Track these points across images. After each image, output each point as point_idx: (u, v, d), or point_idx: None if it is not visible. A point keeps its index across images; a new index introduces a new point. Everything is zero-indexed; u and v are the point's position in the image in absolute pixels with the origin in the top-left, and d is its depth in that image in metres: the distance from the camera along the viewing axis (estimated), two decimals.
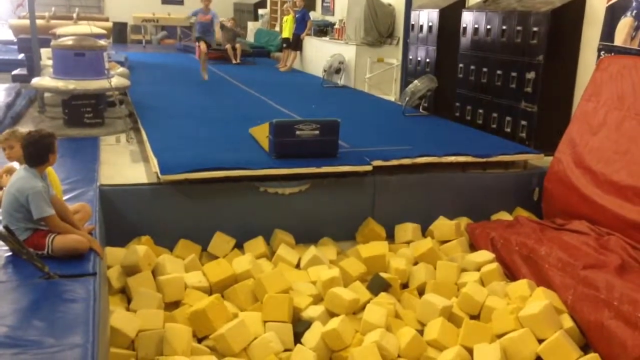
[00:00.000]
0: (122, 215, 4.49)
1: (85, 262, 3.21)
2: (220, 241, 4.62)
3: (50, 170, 3.55)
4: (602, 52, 5.48)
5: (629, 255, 3.85)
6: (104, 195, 4.40)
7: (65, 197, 3.90)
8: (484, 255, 4.58)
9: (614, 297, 3.43)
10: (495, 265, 4.43)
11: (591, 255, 3.89)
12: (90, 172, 4.69)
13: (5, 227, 3.09)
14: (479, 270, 4.45)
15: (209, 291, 4.08)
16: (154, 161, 4.76)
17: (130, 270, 3.98)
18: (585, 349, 3.52)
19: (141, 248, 4.09)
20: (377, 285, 4.25)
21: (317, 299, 4.15)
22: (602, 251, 3.93)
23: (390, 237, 5.01)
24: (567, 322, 3.63)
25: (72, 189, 4.20)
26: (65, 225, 3.28)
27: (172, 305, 3.86)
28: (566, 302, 3.74)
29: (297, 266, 4.58)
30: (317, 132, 5.02)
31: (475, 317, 4.04)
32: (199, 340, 3.60)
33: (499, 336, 3.66)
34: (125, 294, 3.92)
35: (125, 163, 5.23)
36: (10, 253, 3.19)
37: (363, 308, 3.96)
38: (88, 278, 3.04)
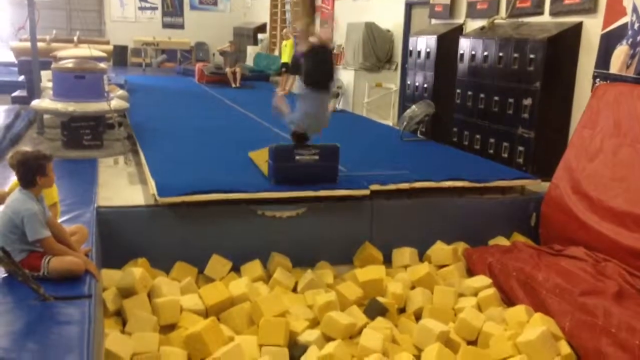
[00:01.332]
0: (119, 237, 4.48)
1: (81, 284, 3.20)
2: (217, 264, 4.60)
3: (51, 190, 3.55)
4: (598, 79, 5.53)
5: (626, 281, 3.85)
6: (101, 217, 4.40)
7: (62, 219, 3.89)
8: (482, 280, 4.57)
9: (612, 324, 3.42)
10: (492, 290, 4.42)
11: (588, 281, 3.88)
12: (88, 193, 4.69)
13: (1, 249, 3.08)
14: (476, 295, 4.44)
15: (205, 314, 4.06)
16: (151, 183, 4.77)
17: (126, 293, 3.96)
18: None
19: (137, 270, 4.08)
20: (374, 310, 4.23)
21: (314, 323, 4.13)
22: (600, 277, 3.93)
23: (388, 261, 4.99)
24: (565, 348, 3.61)
25: (69, 210, 4.20)
26: (60, 247, 3.27)
27: (168, 328, 3.83)
28: (564, 329, 3.72)
29: (294, 290, 4.56)
30: (316, 157, 5.03)
31: (472, 342, 4.01)
32: None
33: None
34: (120, 316, 3.89)
35: (123, 185, 5.23)
36: (5, 274, 3.17)
37: (360, 332, 3.93)
38: (83, 300, 3.03)
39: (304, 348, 3.80)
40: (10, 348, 2.53)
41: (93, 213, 4.30)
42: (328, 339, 3.93)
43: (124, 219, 4.54)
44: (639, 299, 3.65)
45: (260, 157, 5.34)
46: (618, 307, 3.50)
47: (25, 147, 4.98)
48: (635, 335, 3.23)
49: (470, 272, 4.85)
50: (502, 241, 5.25)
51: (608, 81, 5.35)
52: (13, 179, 3.58)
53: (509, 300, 4.38)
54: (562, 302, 3.83)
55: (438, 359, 3.65)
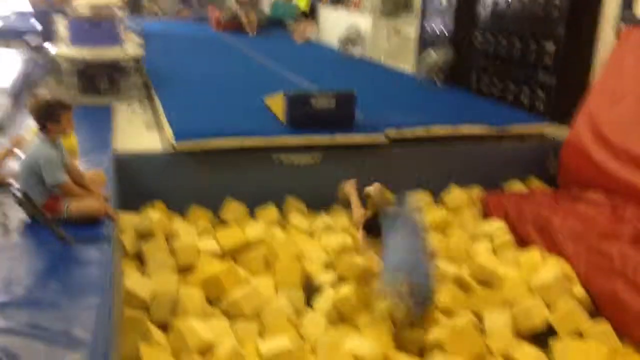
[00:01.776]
0: (136, 182, 4.54)
1: (100, 227, 3.26)
2: (232, 208, 4.66)
3: (70, 138, 3.58)
4: (623, 22, 5.36)
5: None
6: (119, 163, 4.44)
7: (80, 164, 3.94)
8: (497, 224, 4.57)
9: (628, 268, 3.41)
10: (507, 234, 4.42)
11: (606, 225, 3.86)
12: (105, 139, 4.73)
13: (24, 194, 3.14)
14: (491, 239, 4.45)
15: (222, 257, 4.13)
16: (168, 128, 4.79)
17: (144, 236, 4.04)
18: (595, 317, 3.51)
19: (155, 214, 4.14)
20: None
21: (329, 266, 4.18)
22: (617, 222, 3.90)
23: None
24: (579, 291, 3.62)
25: (86, 156, 4.24)
26: (79, 191, 3.32)
27: (185, 271, 3.91)
28: (579, 273, 3.73)
29: (309, 233, 4.61)
30: (333, 103, 5.00)
31: (486, 285, 4.04)
32: (211, 303, 3.65)
33: (510, 305, 3.67)
34: (139, 258, 3.98)
35: (139, 131, 5.27)
36: (27, 218, 3.24)
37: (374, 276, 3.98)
38: (103, 242, 3.09)
39: (319, 289, 3.85)
40: (32, 287, 2.60)
41: (110, 158, 4.34)
42: (344, 281, 3.98)
43: (140, 165, 4.60)
44: None
45: (276, 103, 5.32)
46: (635, 251, 3.49)
47: (43, 92, 5.00)
48: None
49: (486, 216, 4.85)
50: (518, 186, 5.23)
51: (633, 24, 5.19)
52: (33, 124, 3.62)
53: (524, 244, 4.38)
54: (579, 246, 3.82)
55: (452, 300, 3.69)
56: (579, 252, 3.81)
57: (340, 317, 3.71)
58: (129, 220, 4.14)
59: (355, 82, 7.07)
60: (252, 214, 4.73)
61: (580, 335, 3.35)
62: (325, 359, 3.09)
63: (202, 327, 3.21)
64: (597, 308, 3.58)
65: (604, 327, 3.36)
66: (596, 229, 3.87)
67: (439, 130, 5.19)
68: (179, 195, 4.61)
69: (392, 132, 5.05)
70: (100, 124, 5.22)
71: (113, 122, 5.36)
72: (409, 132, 5.12)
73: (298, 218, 4.70)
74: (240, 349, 3.16)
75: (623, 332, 3.34)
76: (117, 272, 3.14)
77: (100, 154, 4.34)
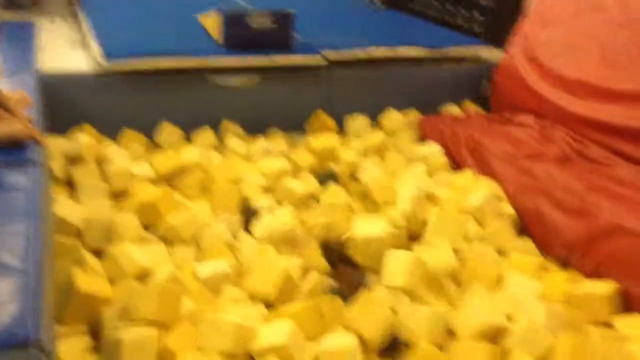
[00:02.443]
0: (63, 104, 4.33)
1: (26, 151, 3.09)
2: (167, 131, 4.54)
3: None
4: None
5: (569, 146, 3.96)
6: (43, 84, 4.21)
7: (2, 85, 3.71)
8: (432, 147, 4.65)
9: (552, 186, 3.55)
10: (443, 157, 4.51)
11: (534, 147, 3.99)
12: (27, 58, 4.45)
13: None
14: (426, 161, 4.54)
15: (157, 181, 4.05)
16: (96, 47, 4.56)
17: (74, 160, 3.90)
18: (523, 235, 3.67)
19: (84, 137, 3.99)
20: (326, 177, 4.29)
21: (267, 190, 4.18)
22: (545, 142, 4.03)
23: (341, 129, 5.02)
24: (508, 209, 3.76)
25: (8, 75, 3.99)
26: (2, 113, 3.14)
27: (119, 196, 3.82)
28: (508, 192, 3.86)
29: (247, 157, 4.57)
30: (270, 23, 4.86)
31: None
32: (147, 229, 3.60)
33: None
34: (69, 184, 3.85)
35: (65, 50, 4.98)
36: None
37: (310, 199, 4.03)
38: (30, 167, 2.95)
39: (257, 213, 3.86)
40: None
41: (34, 79, 4.10)
42: (282, 206, 3.99)
43: (67, 86, 4.38)
44: (581, 162, 3.79)
45: (211, 22, 5.13)
46: (559, 170, 3.63)
47: None
48: (573, 195, 3.37)
49: (422, 140, 4.92)
50: (453, 109, 5.30)
51: None
52: None
53: (458, 167, 4.49)
54: (508, 167, 3.94)
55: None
56: (508, 173, 3.93)
57: (278, 241, 3.75)
58: (57, 145, 3.97)
59: (294, 2, 6.87)
60: (188, 138, 4.64)
61: (504, 252, 3.50)
62: (261, 279, 3.12)
63: (138, 253, 3.17)
64: (524, 226, 3.74)
65: (527, 244, 3.53)
66: (525, 150, 3.99)
67: (378, 52, 5.15)
68: (110, 119, 4.43)
69: (331, 54, 4.98)
70: (22, 42, 4.89)
71: (36, 39, 5.04)
72: (348, 53, 5.06)
73: (235, 142, 4.63)
74: (178, 273, 3.15)
75: (546, 249, 3.52)
76: (46, 198, 3.02)
77: (24, 74, 4.09)
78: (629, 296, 2.91)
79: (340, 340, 2.64)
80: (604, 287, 2.93)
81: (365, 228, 3.51)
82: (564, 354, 2.43)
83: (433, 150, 4.63)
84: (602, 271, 3.10)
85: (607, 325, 2.83)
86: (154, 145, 4.51)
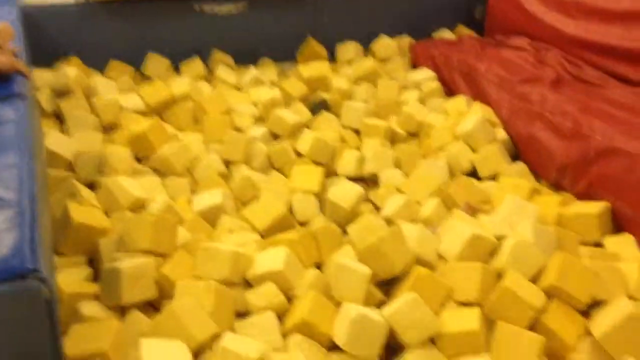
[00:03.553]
0: (47, 36, 4.23)
1: (12, 84, 3.03)
2: (155, 62, 4.46)
3: None
4: None
5: (564, 69, 3.92)
6: (26, 15, 4.08)
7: None
8: (425, 73, 4.60)
9: (546, 110, 3.53)
10: (435, 82, 4.47)
11: (528, 70, 3.94)
12: None
13: None
14: (419, 88, 4.50)
15: (147, 113, 4.01)
16: None
17: (61, 93, 3.83)
18: (515, 159, 3.69)
19: (71, 69, 3.91)
20: (318, 106, 4.26)
21: (259, 120, 4.15)
22: (539, 66, 3.98)
23: (332, 56, 4.94)
24: (501, 134, 3.76)
25: None
26: None
27: (109, 129, 3.79)
28: (501, 116, 3.85)
29: (237, 87, 4.52)
30: None
31: (414, 134, 4.13)
32: (140, 161, 3.59)
33: (440, 150, 3.78)
34: (58, 117, 3.80)
35: None
36: None
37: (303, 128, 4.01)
38: (16, 100, 2.90)
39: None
40: None
41: (17, 10, 3.98)
42: (275, 136, 3.98)
43: (51, 17, 4.26)
44: (575, 85, 3.75)
45: None
46: (554, 94, 3.59)
47: None
48: (567, 119, 3.36)
49: (415, 66, 4.86)
50: (446, 34, 5.21)
51: None
52: None
53: (451, 93, 4.46)
54: (501, 91, 3.91)
55: (381, 149, 3.77)
56: (502, 97, 3.90)
57: (273, 166, 3.76)
58: (43, 77, 3.89)
59: None
60: (176, 69, 4.56)
61: (497, 176, 3.52)
62: (258, 211, 3.14)
63: (132, 184, 3.16)
64: (517, 151, 3.74)
65: (520, 167, 3.54)
66: (519, 74, 3.94)
67: None
68: (96, 51, 4.34)
69: None
70: None
71: None
72: None
73: (225, 72, 4.56)
74: (173, 204, 3.16)
75: (540, 173, 3.54)
76: (36, 131, 2.98)
77: (5, 6, 3.95)
78: (620, 216, 2.95)
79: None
80: (594, 207, 2.96)
81: None
82: (554, 272, 2.47)
83: (426, 76, 4.58)
84: (593, 193, 3.12)
85: (598, 244, 2.88)
86: (142, 77, 4.44)
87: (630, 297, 2.44)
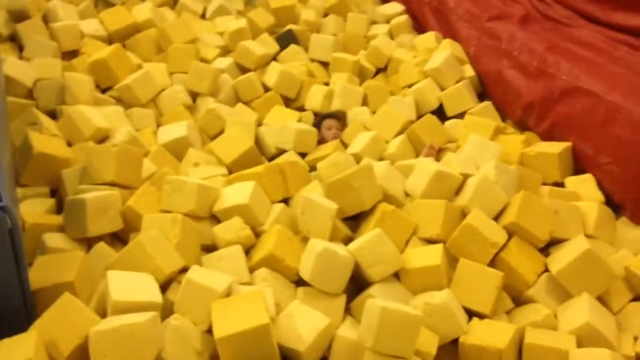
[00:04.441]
0: None
1: None
2: None
3: None
4: None
5: (533, 6, 3.89)
6: None
7: None
8: (395, 7, 4.53)
9: (514, 48, 3.53)
10: (405, 17, 4.40)
11: (497, 6, 3.89)
12: None
13: None
14: (388, 22, 4.43)
15: (109, 41, 3.87)
16: None
17: (18, 16, 3.65)
18: (482, 97, 3.70)
19: None
20: (287, 38, 4.17)
21: (225, 51, 4.05)
22: (509, 2, 3.94)
23: None
24: (469, 71, 3.75)
25: None
26: None
27: (69, 55, 3.64)
28: (469, 53, 3.83)
29: (203, 16, 4.38)
30: None
31: (382, 69, 4.11)
32: (103, 91, 3.49)
33: (407, 87, 3.77)
34: (15, 42, 3.63)
35: None
36: None
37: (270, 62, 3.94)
38: None
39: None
40: None
41: None
42: (241, 68, 3.90)
43: None
44: (543, 22, 3.73)
45: None
46: (522, 31, 3.58)
47: None
48: (534, 57, 3.36)
49: (385, 0, 4.77)
50: None
51: None
52: None
53: (420, 28, 4.41)
54: (470, 27, 3.87)
55: (348, 86, 3.75)
56: (471, 34, 3.88)
57: (239, 99, 3.71)
58: None
59: None
60: None
61: (464, 114, 3.54)
62: (225, 145, 3.12)
63: (95, 114, 3.08)
64: (484, 89, 3.76)
65: (487, 106, 3.55)
66: (488, 10, 3.90)
67: None
68: None
69: None
70: None
71: None
72: None
73: None
74: (137, 135, 3.10)
75: (505, 111, 3.56)
76: None
77: None
78: (581, 156, 3.00)
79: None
80: (556, 147, 3.00)
81: None
82: (515, 210, 2.52)
83: (396, 10, 4.51)
84: (557, 133, 3.17)
85: (559, 184, 2.95)
86: (104, 2, 4.24)
87: (588, 236, 2.53)
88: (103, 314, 2.03)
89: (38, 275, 2.08)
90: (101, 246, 2.36)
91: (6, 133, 2.56)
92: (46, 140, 2.70)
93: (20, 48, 3.57)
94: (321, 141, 3.38)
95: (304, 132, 3.26)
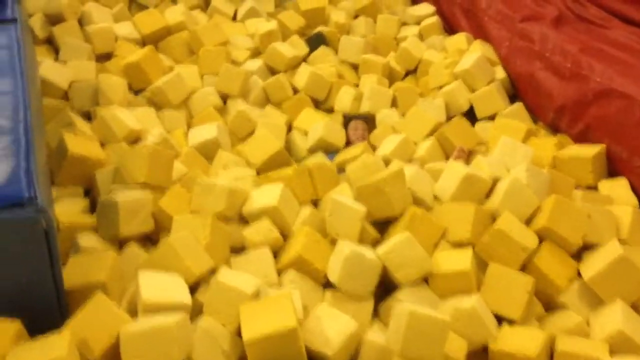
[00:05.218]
0: None
1: (3, 8, 2.96)
2: None
3: None
4: None
5: (566, 7, 3.83)
6: None
7: None
8: (425, 8, 4.50)
9: (547, 49, 3.48)
10: (435, 18, 4.37)
11: (530, 7, 3.84)
12: None
13: None
14: (419, 23, 4.41)
15: (142, 43, 3.93)
16: None
17: (54, 19, 3.73)
18: (514, 99, 3.66)
19: None
20: (316, 40, 4.18)
21: (255, 53, 4.08)
22: (541, 2, 3.89)
23: None
24: (500, 73, 3.72)
25: None
26: None
27: (103, 58, 3.71)
28: (500, 54, 3.79)
29: (234, 18, 4.41)
30: None
31: (412, 71, 4.09)
32: (135, 93, 3.54)
33: (437, 89, 3.75)
34: (51, 44, 3.71)
35: None
36: None
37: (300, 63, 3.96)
38: (8, 25, 2.82)
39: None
40: None
41: None
42: (271, 70, 3.92)
43: None
44: (577, 23, 3.68)
45: None
46: (555, 32, 3.52)
47: None
48: (567, 59, 3.31)
49: (415, 1, 4.74)
50: None
51: None
52: None
53: (451, 29, 4.38)
54: (502, 28, 3.83)
55: (378, 88, 3.74)
56: (502, 35, 3.84)
57: (269, 101, 3.74)
58: (35, 3, 3.77)
59: None
60: None
61: (495, 116, 3.50)
62: (253, 142, 3.14)
63: (127, 116, 3.14)
64: (516, 90, 3.71)
65: (518, 108, 3.51)
66: (520, 10, 3.85)
67: None
68: None
69: None
70: None
71: None
72: None
73: (221, 2, 4.45)
74: (168, 136, 3.14)
75: (537, 113, 3.52)
76: (30, 58, 2.91)
77: None
78: (615, 160, 2.95)
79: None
80: (589, 151, 2.95)
81: None
82: (546, 214, 2.48)
83: (426, 11, 4.48)
84: (590, 135, 3.12)
85: (592, 188, 2.90)
86: (137, 5, 4.31)
87: (622, 241, 2.48)
88: (134, 314, 2.06)
89: (71, 274, 2.12)
90: (132, 247, 2.40)
91: (42, 134, 2.61)
92: (80, 142, 2.75)
93: (56, 51, 3.65)
94: (348, 143, 3.39)
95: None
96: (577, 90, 3.23)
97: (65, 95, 3.27)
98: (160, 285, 2.07)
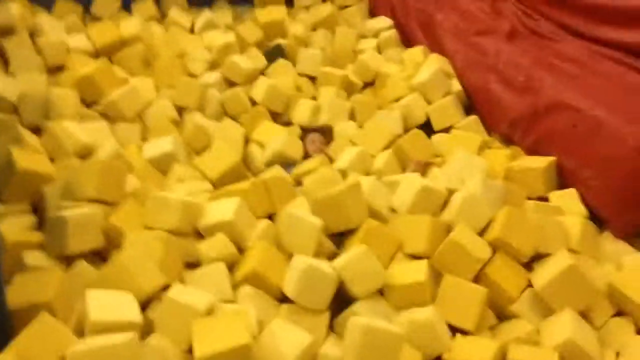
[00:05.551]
0: None
1: None
2: (105, 1, 4.27)
3: None
4: None
5: (519, 21, 3.91)
6: None
7: None
8: (383, 21, 4.54)
9: (500, 62, 3.54)
10: (393, 31, 4.42)
11: (484, 21, 3.91)
12: None
13: None
14: (377, 36, 4.45)
15: (95, 55, 3.87)
16: None
17: (4, 31, 3.64)
18: (469, 111, 3.71)
19: (15, 7, 3.71)
20: (275, 53, 4.17)
21: (213, 65, 4.06)
22: (496, 17, 3.96)
23: (289, 1, 4.82)
24: (456, 86, 3.76)
25: None
26: None
27: (55, 70, 3.64)
28: (456, 67, 3.84)
29: (191, 30, 4.38)
30: None
31: (370, 84, 4.11)
32: (88, 106, 3.48)
33: (395, 101, 3.78)
34: (1, 57, 3.62)
35: None
36: None
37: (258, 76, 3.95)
38: None
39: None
40: None
41: None
42: (229, 82, 3.90)
43: None
44: (529, 37, 3.75)
45: None
46: (508, 46, 3.59)
47: None
48: (520, 72, 3.37)
49: (373, 14, 4.79)
50: None
51: None
52: None
53: (408, 41, 4.42)
54: (457, 42, 3.89)
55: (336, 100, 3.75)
56: (457, 48, 3.89)
57: (226, 114, 3.71)
58: None
59: None
60: (127, 9, 4.38)
61: (450, 128, 3.54)
62: (211, 161, 3.11)
63: (79, 129, 3.08)
64: (471, 103, 3.76)
65: (473, 120, 3.56)
66: (475, 24, 3.92)
67: None
68: None
69: None
70: None
71: None
72: None
73: (178, 13, 4.42)
74: (122, 150, 3.09)
75: (491, 126, 3.57)
76: None
77: None
78: (565, 171, 3.00)
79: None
80: (540, 162, 3.00)
81: None
82: (499, 226, 2.52)
83: (384, 24, 4.53)
84: (541, 148, 3.17)
85: (543, 199, 2.95)
86: (91, 18, 4.25)
87: (572, 251, 2.52)
88: (82, 334, 2.00)
89: (16, 294, 2.06)
90: (81, 264, 2.33)
91: None
92: (29, 157, 2.68)
93: (5, 63, 3.56)
94: (306, 156, 3.39)
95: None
96: (530, 103, 3.28)
97: (14, 109, 3.19)
98: (109, 304, 2.02)
